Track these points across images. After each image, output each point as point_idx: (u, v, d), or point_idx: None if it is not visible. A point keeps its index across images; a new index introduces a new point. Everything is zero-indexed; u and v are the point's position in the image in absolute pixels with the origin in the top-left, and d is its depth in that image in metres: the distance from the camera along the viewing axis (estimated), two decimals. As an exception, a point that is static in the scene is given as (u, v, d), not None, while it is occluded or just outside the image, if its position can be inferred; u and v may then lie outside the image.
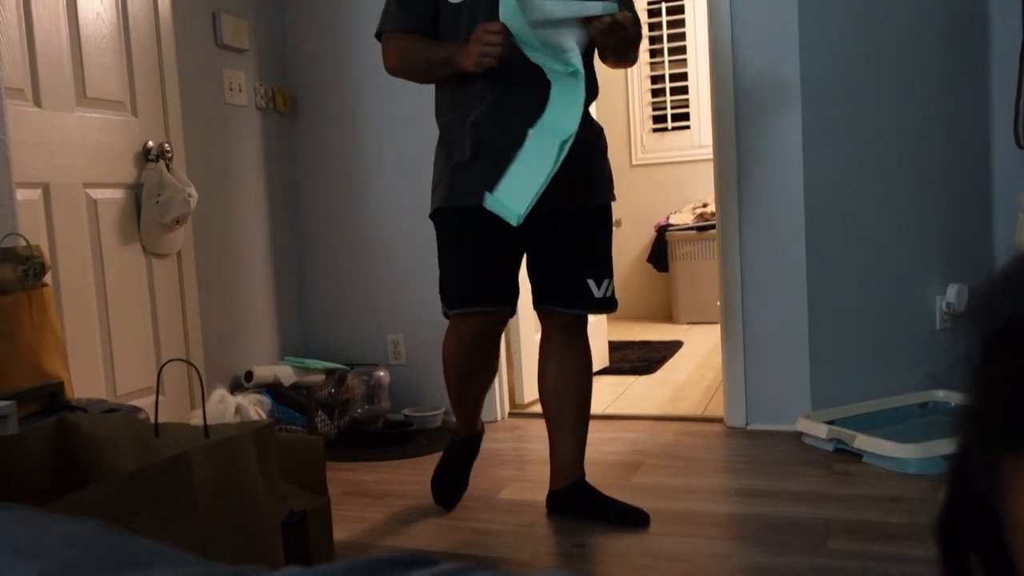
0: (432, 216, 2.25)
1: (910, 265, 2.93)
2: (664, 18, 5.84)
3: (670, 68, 5.90)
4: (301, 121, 3.50)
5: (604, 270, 2.24)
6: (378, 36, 2.26)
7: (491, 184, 1.98)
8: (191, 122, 2.97)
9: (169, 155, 2.78)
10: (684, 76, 5.86)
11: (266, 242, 3.36)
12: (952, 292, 2.91)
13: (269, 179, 3.38)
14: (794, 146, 2.82)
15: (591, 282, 2.21)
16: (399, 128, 3.32)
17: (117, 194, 2.66)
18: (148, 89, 2.78)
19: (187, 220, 2.83)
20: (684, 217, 5.64)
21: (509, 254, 2.21)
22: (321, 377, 3.20)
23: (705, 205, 5.56)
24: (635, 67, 5.93)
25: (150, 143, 2.74)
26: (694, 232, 5.48)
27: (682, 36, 5.83)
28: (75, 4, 2.51)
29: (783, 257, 2.88)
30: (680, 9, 5.81)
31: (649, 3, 5.85)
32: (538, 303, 2.29)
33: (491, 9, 2.00)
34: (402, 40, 2.18)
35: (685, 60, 5.85)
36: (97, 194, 2.59)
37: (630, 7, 2.18)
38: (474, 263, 2.18)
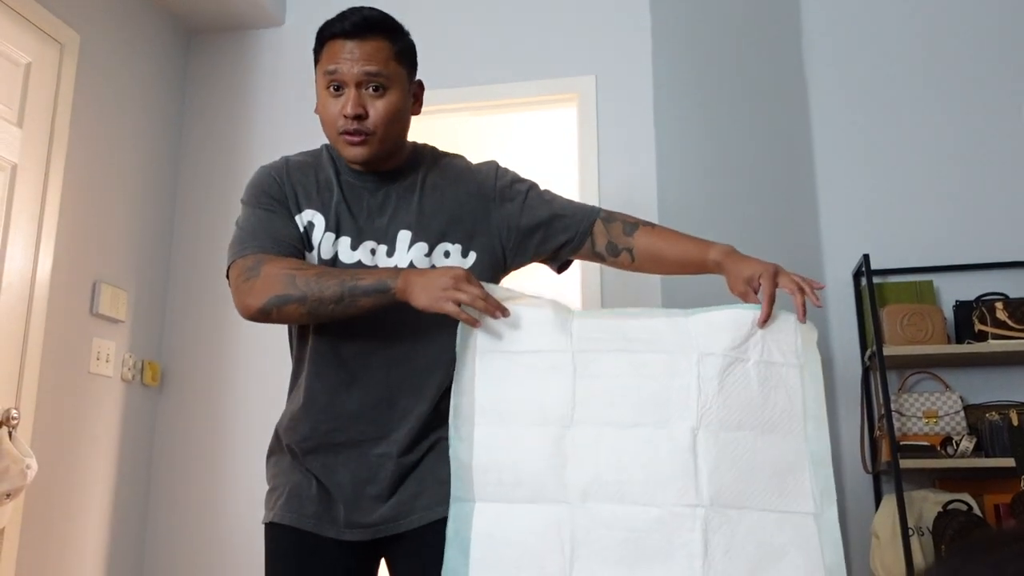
0: None
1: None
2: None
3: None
4: (167, 397, 3.38)
5: None
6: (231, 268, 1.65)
7: None
8: (48, 389, 2.82)
9: (15, 422, 2.60)
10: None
11: (106, 527, 3.08)
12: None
13: (122, 458, 3.17)
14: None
15: None
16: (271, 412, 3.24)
17: (-55, 462, 2.44)
18: (7, 352, 2.66)
19: (20, 494, 2.59)
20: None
21: None
22: None
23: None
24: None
25: (-4, 408, 2.58)
26: None
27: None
28: (-53, 262, 2.46)
29: None
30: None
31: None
32: None
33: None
34: (281, 264, 1.56)
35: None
36: (-78, 460, 2.36)
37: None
38: None
